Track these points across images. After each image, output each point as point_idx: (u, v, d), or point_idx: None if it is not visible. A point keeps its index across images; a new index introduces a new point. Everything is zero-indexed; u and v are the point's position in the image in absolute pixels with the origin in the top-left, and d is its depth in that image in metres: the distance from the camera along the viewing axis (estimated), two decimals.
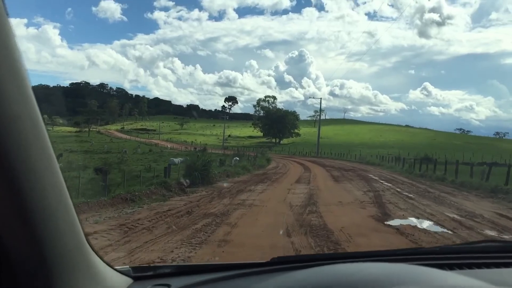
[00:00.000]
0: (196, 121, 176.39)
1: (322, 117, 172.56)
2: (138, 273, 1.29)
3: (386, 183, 19.14)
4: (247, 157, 41.35)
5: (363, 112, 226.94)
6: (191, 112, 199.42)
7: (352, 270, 0.95)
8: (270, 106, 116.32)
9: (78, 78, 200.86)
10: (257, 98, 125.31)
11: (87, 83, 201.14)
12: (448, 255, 1.47)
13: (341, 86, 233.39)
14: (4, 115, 0.71)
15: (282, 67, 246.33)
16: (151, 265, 2.57)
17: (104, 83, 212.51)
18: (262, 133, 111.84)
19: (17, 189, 0.75)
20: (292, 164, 37.81)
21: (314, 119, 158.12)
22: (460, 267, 1.32)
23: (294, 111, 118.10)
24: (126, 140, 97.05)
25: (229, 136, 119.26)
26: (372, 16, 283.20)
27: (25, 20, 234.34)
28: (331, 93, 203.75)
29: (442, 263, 1.34)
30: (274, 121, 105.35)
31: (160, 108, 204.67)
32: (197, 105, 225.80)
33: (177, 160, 35.96)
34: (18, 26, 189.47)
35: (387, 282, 0.82)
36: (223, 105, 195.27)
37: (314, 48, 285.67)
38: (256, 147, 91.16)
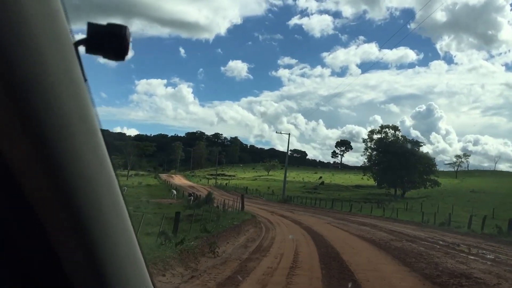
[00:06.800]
0: (294, 168, 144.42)
1: (464, 167, 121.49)
2: None
3: None
4: None
5: (501, 169, 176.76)
6: (296, 159, 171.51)
7: None
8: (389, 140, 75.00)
9: (208, 133, 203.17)
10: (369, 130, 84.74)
11: (202, 133, 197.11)
12: None
13: (475, 142, 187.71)
14: (57, 114, 0.64)
15: (409, 122, 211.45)
16: None
17: (218, 133, 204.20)
18: (374, 181, 72.31)
19: (70, 193, 0.69)
20: None
21: (456, 167, 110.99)
22: None
23: (427, 152, 76.41)
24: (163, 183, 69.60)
25: (322, 183, 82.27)
26: (510, 67, 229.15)
27: (165, 81, 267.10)
28: (464, 149, 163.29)
29: None
30: (395, 157, 63.92)
31: (275, 158, 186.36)
32: (304, 151, 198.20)
33: None
34: (159, 86, 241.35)
35: None
36: (334, 151, 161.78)
37: (444, 102, 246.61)
38: (360, 200, 53.97)
